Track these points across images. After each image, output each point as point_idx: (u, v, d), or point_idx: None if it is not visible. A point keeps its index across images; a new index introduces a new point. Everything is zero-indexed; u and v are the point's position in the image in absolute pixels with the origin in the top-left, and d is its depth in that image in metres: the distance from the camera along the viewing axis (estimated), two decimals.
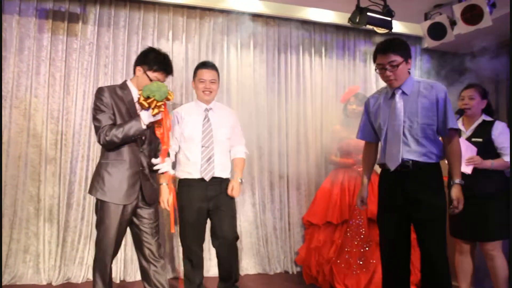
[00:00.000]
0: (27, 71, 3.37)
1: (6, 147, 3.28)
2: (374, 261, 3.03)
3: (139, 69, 2.31)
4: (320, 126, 4.12)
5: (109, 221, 2.20)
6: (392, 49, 2.22)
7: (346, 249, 3.10)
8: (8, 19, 3.33)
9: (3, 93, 3.27)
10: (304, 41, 4.17)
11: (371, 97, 2.48)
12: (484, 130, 2.73)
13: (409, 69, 2.29)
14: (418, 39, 4.43)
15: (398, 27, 4.16)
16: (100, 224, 2.24)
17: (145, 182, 2.30)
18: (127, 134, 2.17)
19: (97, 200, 2.26)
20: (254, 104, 3.88)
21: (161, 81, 2.32)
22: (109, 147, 2.24)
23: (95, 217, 2.31)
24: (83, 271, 3.37)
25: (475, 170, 2.62)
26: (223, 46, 3.89)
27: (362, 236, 3.10)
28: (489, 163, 2.64)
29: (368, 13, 3.24)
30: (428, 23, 3.81)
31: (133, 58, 2.58)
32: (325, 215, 3.23)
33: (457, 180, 2.22)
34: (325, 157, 3.91)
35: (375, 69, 2.31)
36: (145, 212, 2.32)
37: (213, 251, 2.89)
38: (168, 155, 2.35)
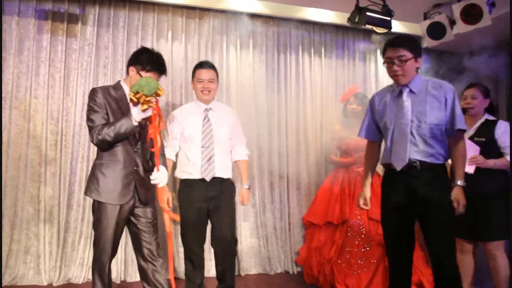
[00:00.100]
0: (27, 72, 3.37)
1: (6, 148, 3.28)
2: (375, 261, 3.03)
3: (132, 69, 2.31)
4: (320, 126, 4.12)
5: (106, 221, 2.21)
6: (403, 44, 2.18)
7: (347, 249, 3.10)
8: (7, 20, 3.33)
9: (3, 94, 3.27)
10: (304, 41, 4.17)
11: (376, 95, 2.43)
12: (487, 130, 2.72)
13: (418, 68, 2.25)
14: (417, 38, 4.42)
15: (398, 26, 4.16)
16: (97, 224, 2.24)
17: (140, 181, 2.29)
18: (119, 132, 2.15)
19: (94, 200, 2.26)
20: (253, 104, 3.89)
21: None
22: (103, 146, 2.24)
23: (93, 218, 2.31)
24: (84, 272, 3.37)
25: (477, 169, 2.61)
26: (223, 47, 3.89)
27: (362, 236, 3.10)
28: (492, 163, 2.63)
29: (368, 13, 3.24)
30: (427, 22, 3.81)
31: None
32: (325, 215, 3.23)
33: (459, 182, 2.18)
34: (325, 157, 3.91)
35: (383, 63, 2.27)
36: (143, 211, 2.32)
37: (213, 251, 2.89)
38: (163, 163, 2.32)
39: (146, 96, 2.10)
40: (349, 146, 3.33)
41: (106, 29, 3.59)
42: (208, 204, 2.65)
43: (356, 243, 3.10)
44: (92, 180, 2.27)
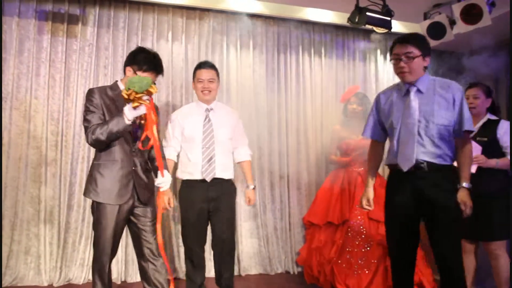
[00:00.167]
0: (27, 72, 3.37)
1: (6, 149, 3.29)
2: (375, 261, 3.03)
3: (129, 69, 2.31)
4: (320, 126, 4.12)
5: (106, 221, 2.21)
6: (411, 41, 2.15)
7: (347, 249, 3.10)
8: (8, 21, 3.33)
9: (3, 95, 3.27)
10: (304, 41, 4.17)
11: (382, 94, 2.37)
12: (489, 129, 2.71)
13: (426, 67, 2.20)
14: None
15: (398, 26, 4.16)
16: (96, 224, 2.25)
17: (139, 181, 2.30)
18: (112, 131, 2.14)
19: (93, 201, 2.27)
20: (254, 104, 3.89)
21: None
22: (98, 146, 2.24)
23: (93, 218, 2.32)
24: (84, 272, 3.37)
25: (479, 169, 2.60)
26: (223, 47, 3.89)
27: (363, 236, 3.10)
28: (494, 162, 2.62)
29: (367, 13, 3.24)
30: (427, 22, 3.80)
31: None
32: (325, 215, 3.23)
33: (465, 184, 2.14)
34: (326, 157, 3.91)
35: (390, 60, 2.23)
36: (143, 211, 2.32)
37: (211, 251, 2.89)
38: (165, 167, 2.32)
39: (137, 93, 2.07)
40: (349, 146, 3.33)
41: (106, 30, 3.59)
42: (209, 204, 2.65)
43: (357, 243, 3.10)
44: (90, 181, 2.27)
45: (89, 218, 3.42)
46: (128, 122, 2.14)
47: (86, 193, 2.28)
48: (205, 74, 2.71)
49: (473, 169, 2.58)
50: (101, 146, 2.24)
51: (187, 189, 2.69)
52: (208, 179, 2.63)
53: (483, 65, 3.54)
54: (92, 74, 3.52)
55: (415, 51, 2.13)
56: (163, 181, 2.26)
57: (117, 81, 2.41)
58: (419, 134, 2.12)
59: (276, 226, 3.92)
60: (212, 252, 2.82)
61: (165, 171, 2.27)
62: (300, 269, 3.80)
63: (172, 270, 3.58)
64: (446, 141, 2.14)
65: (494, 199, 2.61)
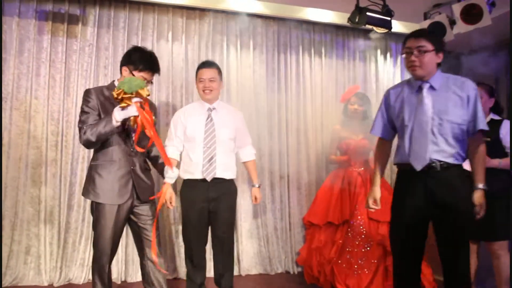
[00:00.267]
0: (27, 73, 3.38)
1: (6, 149, 3.29)
2: (375, 261, 3.03)
3: (125, 69, 2.31)
4: (320, 126, 4.12)
5: (105, 221, 2.22)
6: (425, 35, 2.09)
7: (347, 249, 3.10)
8: (8, 21, 3.34)
9: (3, 95, 3.28)
10: (304, 41, 4.17)
11: (392, 90, 2.29)
12: (492, 129, 2.68)
13: (439, 63, 2.13)
14: None
15: (398, 26, 4.16)
16: (96, 224, 2.25)
17: (138, 180, 2.30)
18: (100, 132, 2.14)
19: (92, 201, 2.27)
20: (254, 104, 3.89)
21: (147, 80, 2.32)
22: (90, 147, 2.26)
23: (92, 218, 2.33)
24: (84, 272, 3.37)
25: None
26: (223, 47, 3.89)
27: (363, 236, 3.10)
28: (496, 162, 2.62)
29: (368, 13, 3.24)
30: (427, 22, 3.80)
31: None
32: (326, 216, 3.23)
33: (481, 185, 2.09)
34: (326, 157, 3.91)
35: (401, 54, 2.17)
36: (143, 209, 2.34)
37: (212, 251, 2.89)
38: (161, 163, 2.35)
39: (125, 93, 2.05)
40: (349, 146, 3.33)
41: (107, 30, 3.59)
42: (209, 204, 2.64)
43: (357, 243, 3.10)
44: (88, 182, 2.28)
45: (89, 218, 3.42)
46: (115, 124, 2.13)
47: (85, 194, 2.29)
48: (206, 73, 2.70)
49: None
50: (92, 147, 2.26)
51: (188, 189, 2.68)
52: (209, 178, 2.61)
53: (483, 65, 3.54)
54: (92, 74, 3.52)
55: (428, 46, 2.06)
56: (173, 176, 2.30)
57: (113, 80, 2.41)
58: (432, 132, 2.06)
59: (276, 226, 3.92)
60: (212, 252, 2.82)
61: (174, 168, 2.31)
62: (300, 269, 3.80)
63: (172, 270, 3.59)
64: (459, 140, 2.08)
65: (496, 199, 2.60)
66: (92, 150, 3.08)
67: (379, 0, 3.38)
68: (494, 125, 2.71)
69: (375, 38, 4.26)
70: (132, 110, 2.10)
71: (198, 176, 2.62)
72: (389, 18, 3.37)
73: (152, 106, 2.44)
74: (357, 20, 3.28)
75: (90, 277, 3.33)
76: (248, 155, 2.90)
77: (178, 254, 3.62)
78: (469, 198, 2.10)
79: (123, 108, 2.10)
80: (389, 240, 2.98)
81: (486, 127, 2.08)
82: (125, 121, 2.19)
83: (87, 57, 3.53)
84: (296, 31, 4.13)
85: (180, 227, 3.58)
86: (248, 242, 3.82)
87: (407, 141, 2.12)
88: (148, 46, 3.53)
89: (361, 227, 3.12)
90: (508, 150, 2.65)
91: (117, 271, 3.39)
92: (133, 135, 2.27)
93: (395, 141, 2.32)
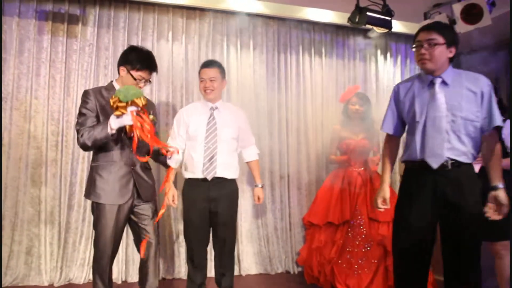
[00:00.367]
0: (27, 73, 3.37)
1: (6, 149, 3.29)
2: (376, 261, 3.03)
3: (123, 69, 2.31)
4: (320, 126, 4.12)
5: (105, 221, 2.22)
6: (436, 28, 2.02)
7: (347, 249, 3.10)
8: (8, 21, 3.33)
9: (3, 95, 3.28)
10: (304, 41, 4.17)
11: (401, 85, 2.20)
12: None
13: (451, 58, 2.05)
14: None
15: (398, 26, 4.17)
16: (97, 224, 2.26)
17: (139, 179, 2.31)
18: (96, 137, 2.15)
19: (92, 201, 2.28)
20: (254, 104, 3.88)
21: (145, 79, 2.32)
22: (86, 150, 2.28)
23: (93, 218, 2.33)
24: (85, 272, 3.37)
25: (483, 169, 2.60)
26: (223, 47, 3.89)
27: (363, 236, 3.10)
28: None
29: (368, 13, 3.24)
30: (427, 22, 3.80)
31: None
32: (326, 216, 3.23)
33: (501, 184, 1.99)
34: (326, 157, 3.91)
35: (412, 47, 2.10)
36: (143, 209, 2.34)
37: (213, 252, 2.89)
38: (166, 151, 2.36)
39: (120, 101, 2.05)
40: (349, 146, 3.32)
41: (107, 30, 3.59)
42: (210, 204, 2.63)
43: (357, 243, 3.10)
44: (90, 183, 2.29)
45: (90, 218, 3.42)
46: (110, 131, 2.14)
47: (87, 195, 2.30)
48: (206, 73, 2.70)
49: (476, 168, 2.57)
50: (89, 150, 2.28)
51: (189, 188, 2.68)
52: (209, 177, 2.60)
53: (483, 64, 3.54)
54: (92, 74, 3.52)
55: (439, 39, 1.99)
56: (178, 158, 2.39)
57: (112, 81, 2.41)
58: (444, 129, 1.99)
59: (277, 226, 3.93)
60: (212, 252, 2.82)
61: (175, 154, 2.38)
62: (300, 269, 3.80)
63: (172, 270, 3.59)
64: (472, 138, 2.02)
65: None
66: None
67: (379, 0, 3.38)
68: None
69: (375, 38, 4.26)
70: (126, 119, 2.10)
71: (199, 175, 2.61)
72: (389, 18, 3.37)
73: (151, 105, 2.44)
74: (357, 20, 3.28)
75: (91, 277, 3.34)
76: (251, 155, 2.89)
77: (178, 254, 3.62)
78: (480, 200, 2.02)
79: (118, 117, 2.10)
80: (389, 240, 3.00)
81: (501, 123, 2.00)
82: (121, 129, 2.19)
83: (87, 57, 3.53)
84: (296, 31, 4.13)
85: (180, 227, 3.60)
86: (248, 242, 3.83)
87: (419, 138, 2.05)
88: (148, 46, 3.54)
89: (361, 227, 3.12)
90: (508, 151, 2.65)
91: (117, 271, 3.39)
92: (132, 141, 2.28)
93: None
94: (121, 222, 2.27)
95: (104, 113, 2.26)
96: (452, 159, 1.99)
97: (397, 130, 2.23)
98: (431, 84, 2.05)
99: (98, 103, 2.26)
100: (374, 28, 3.42)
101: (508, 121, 2.72)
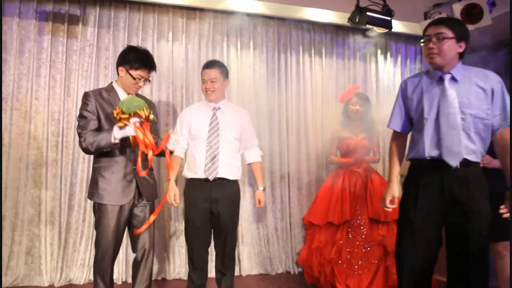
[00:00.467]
0: (28, 73, 3.38)
1: (7, 149, 3.29)
2: (376, 261, 3.03)
3: (122, 69, 2.32)
4: (320, 126, 4.12)
5: (107, 221, 2.23)
6: (445, 22, 1.97)
7: (347, 250, 3.10)
8: (8, 22, 3.34)
9: (3, 96, 3.28)
10: (304, 41, 4.17)
11: (409, 81, 2.14)
12: None
13: (461, 54, 2.01)
14: (417, 38, 4.42)
15: (398, 26, 4.17)
16: (98, 224, 2.26)
17: (141, 179, 2.31)
18: (99, 145, 2.17)
19: (94, 201, 2.28)
20: (254, 104, 3.88)
21: (145, 78, 2.32)
22: (88, 154, 2.29)
23: (94, 219, 2.34)
24: (85, 273, 3.37)
25: (484, 169, 2.59)
26: (223, 47, 3.89)
27: (363, 236, 3.10)
28: (499, 163, 2.61)
29: (368, 13, 3.24)
30: (427, 22, 3.78)
31: None
32: (326, 216, 3.22)
33: None
34: (326, 157, 3.91)
35: (421, 42, 2.06)
36: (141, 210, 2.36)
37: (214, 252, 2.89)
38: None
39: (123, 113, 2.07)
40: (349, 147, 3.32)
41: (107, 30, 3.59)
42: (211, 205, 2.62)
43: (357, 243, 3.10)
44: (92, 184, 2.30)
45: (90, 219, 3.42)
46: (113, 141, 2.15)
47: (90, 196, 2.31)
48: (207, 74, 2.69)
49: None
50: (91, 154, 2.27)
51: (190, 188, 2.67)
52: (211, 178, 2.59)
53: (483, 64, 3.53)
54: (92, 74, 3.52)
55: (448, 33, 1.94)
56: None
57: (112, 82, 2.41)
58: None
59: (277, 226, 3.92)
60: (213, 253, 2.82)
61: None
62: (300, 269, 3.80)
63: (172, 270, 3.59)
64: (481, 136, 1.97)
65: (500, 200, 2.58)
66: None
67: (379, 0, 3.38)
68: None
69: (375, 38, 4.26)
70: (129, 130, 2.13)
71: (200, 175, 2.60)
72: (389, 18, 3.37)
73: (151, 105, 2.45)
74: (357, 20, 3.28)
75: (91, 277, 3.34)
76: (253, 157, 2.86)
77: (178, 254, 3.62)
78: (488, 200, 1.98)
79: (121, 128, 2.13)
80: (389, 241, 3.01)
81: None
82: (124, 139, 2.21)
83: (88, 57, 3.53)
84: (296, 31, 4.13)
85: (181, 227, 3.60)
86: (248, 242, 3.82)
87: (427, 135, 1.99)
88: (149, 46, 3.55)
89: (362, 228, 3.12)
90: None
91: (117, 272, 3.39)
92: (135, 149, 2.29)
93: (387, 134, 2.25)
94: (122, 223, 2.28)
95: (105, 114, 2.26)
96: (462, 158, 1.95)
97: (405, 127, 2.18)
98: (440, 80, 2.00)
99: (98, 105, 2.27)
100: (374, 28, 3.42)
101: None
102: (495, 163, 2.61)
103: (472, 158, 1.96)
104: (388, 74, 4.43)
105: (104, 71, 3.57)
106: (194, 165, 2.63)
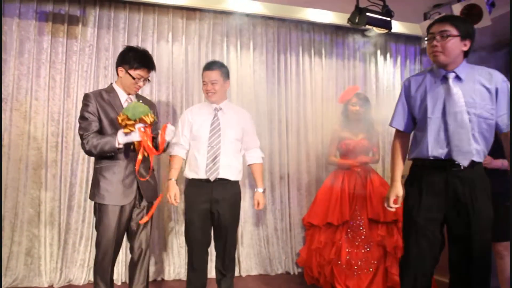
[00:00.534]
0: (28, 73, 3.38)
1: (6, 150, 3.29)
2: (375, 262, 3.03)
3: (121, 70, 2.33)
4: (320, 127, 4.12)
5: (108, 221, 2.23)
6: (449, 20, 1.94)
7: (347, 250, 3.09)
8: (8, 22, 3.34)
9: (3, 96, 3.28)
10: (304, 42, 4.17)
11: (412, 79, 2.11)
12: None
13: (466, 52, 1.98)
14: (417, 39, 4.43)
15: (398, 27, 4.17)
16: (99, 225, 2.26)
17: (142, 181, 2.31)
18: (103, 148, 2.18)
19: (94, 202, 2.28)
20: (254, 105, 3.88)
21: (144, 78, 2.32)
22: (90, 156, 2.28)
23: (95, 219, 2.33)
24: (85, 273, 3.37)
25: (484, 170, 2.59)
26: (223, 48, 3.89)
27: (363, 237, 3.10)
28: (499, 163, 2.61)
29: (368, 13, 3.24)
30: (427, 23, 3.80)
31: None
32: (325, 216, 3.22)
33: None
34: (326, 157, 3.91)
35: (425, 39, 2.03)
36: (140, 211, 2.35)
37: (214, 252, 2.88)
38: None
39: (129, 119, 2.10)
40: (348, 147, 3.32)
41: (107, 31, 3.59)
42: (212, 205, 2.61)
43: (356, 244, 3.10)
44: (94, 184, 2.30)
45: (90, 219, 3.42)
46: (117, 146, 2.17)
47: (91, 197, 2.31)
48: (207, 76, 2.69)
49: None
50: (93, 156, 2.27)
51: (191, 188, 2.67)
52: (212, 178, 2.59)
53: (483, 65, 3.53)
54: (92, 75, 3.52)
55: (452, 31, 1.92)
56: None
57: (112, 83, 2.41)
58: None
59: (277, 227, 3.92)
60: (213, 253, 2.81)
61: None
62: (300, 269, 3.79)
63: (172, 271, 3.58)
64: (485, 136, 1.95)
65: (500, 200, 2.58)
66: None
67: (379, 1, 3.38)
68: None
69: (375, 38, 4.26)
70: (135, 136, 2.16)
71: (202, 175, 2.60)
72: (389, 19, 3.36)
73: (151, 106, 2.45)
74: (357, 20, 3.28)
75: (90, 278, 3.34)
76: (254, 158, 2.84)
77: (178, 255, 3.61)
78: (491, 201, 1.97)
79: (126, 134, 2.15)
80: (389, 241, 3.01)
81: None
82: (128, 144, 2.22)
83: (87, 58, 3.53)
84: (296, 32, 4.13)
85: (181, 228, 3.59)
86: (248, 242, 3.82)
87: (431, 135, 1.97)
88: (148, 47, 3.55)
89: (361, 228, 3.12)
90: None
91: (117, 272, 3.39)
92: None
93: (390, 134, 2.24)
94: (123, 223, 2.28)
95: (105, 115, 2.26)
96: (472, 157, 1.92)
97: (408, 126, 2.15)
98: (444, 79, 1.98)
99: (99, 106, 2.27)
100: (374, 28, 3.42)
101: None
102: (495, 164, 2.61)
103: (476, 158, 1.94)
104: (387, 75, 4.43)
105: (104, 72, 3.57)
106: (195, 166, 2.63)
